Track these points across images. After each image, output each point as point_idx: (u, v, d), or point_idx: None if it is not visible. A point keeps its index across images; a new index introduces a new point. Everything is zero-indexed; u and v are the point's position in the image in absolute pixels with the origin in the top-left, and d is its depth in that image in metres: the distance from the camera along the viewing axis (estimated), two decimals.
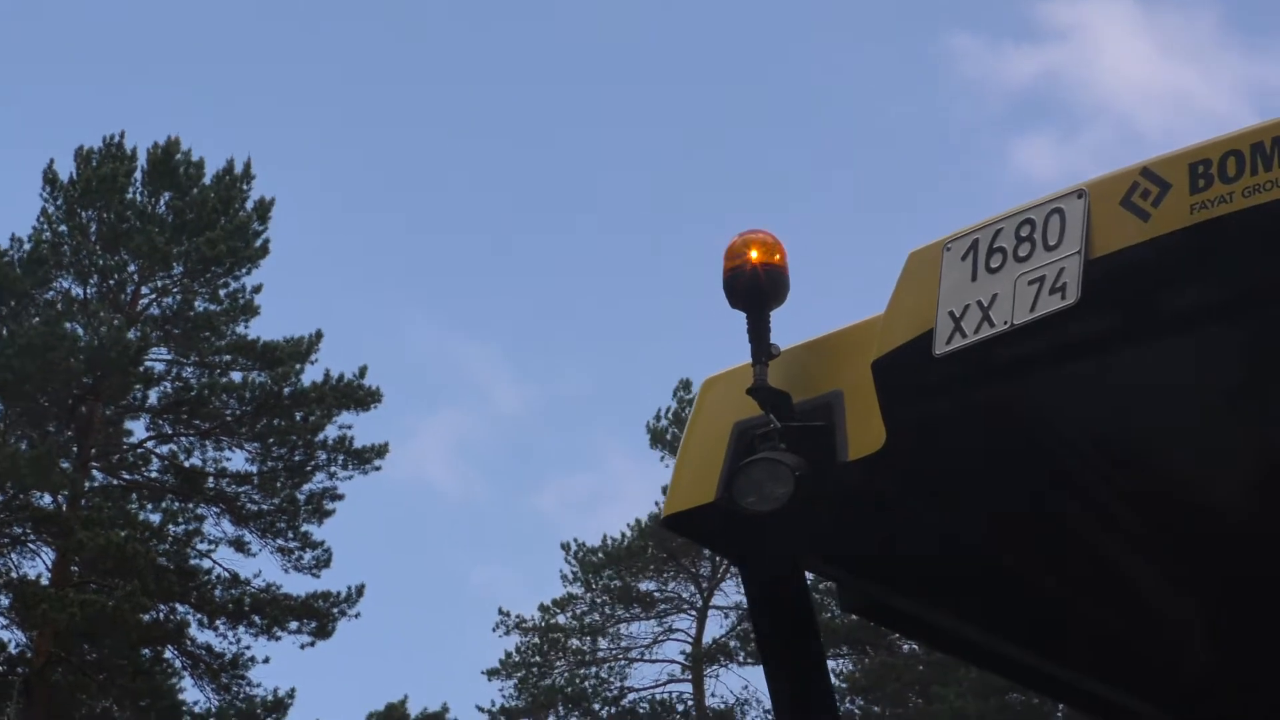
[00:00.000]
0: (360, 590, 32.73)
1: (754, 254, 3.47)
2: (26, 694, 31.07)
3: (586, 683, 38.71)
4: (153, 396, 33.16)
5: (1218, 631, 4.34)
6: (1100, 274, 3.04)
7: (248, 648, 32.61)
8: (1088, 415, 3.73)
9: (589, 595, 38.79)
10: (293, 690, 32.73)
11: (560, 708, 38.33)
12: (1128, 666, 4.47)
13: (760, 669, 36.02)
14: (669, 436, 38.13)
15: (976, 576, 4.19)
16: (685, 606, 39.54)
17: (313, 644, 32.69)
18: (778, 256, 3.48)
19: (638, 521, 38.52)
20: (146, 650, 32.26)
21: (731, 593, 38.72)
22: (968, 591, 4.23)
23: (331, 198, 71.52)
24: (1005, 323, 3.15)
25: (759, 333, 3.48)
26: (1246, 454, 3.88)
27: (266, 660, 33.07)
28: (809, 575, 4.17)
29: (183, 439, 33.30)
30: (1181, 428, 3.78)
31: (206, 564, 32.91)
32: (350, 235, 68.54)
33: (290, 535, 32.94)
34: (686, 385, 39.10)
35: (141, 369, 32.26)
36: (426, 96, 72.23)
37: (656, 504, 38.16)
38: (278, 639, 32.62)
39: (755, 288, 3.45)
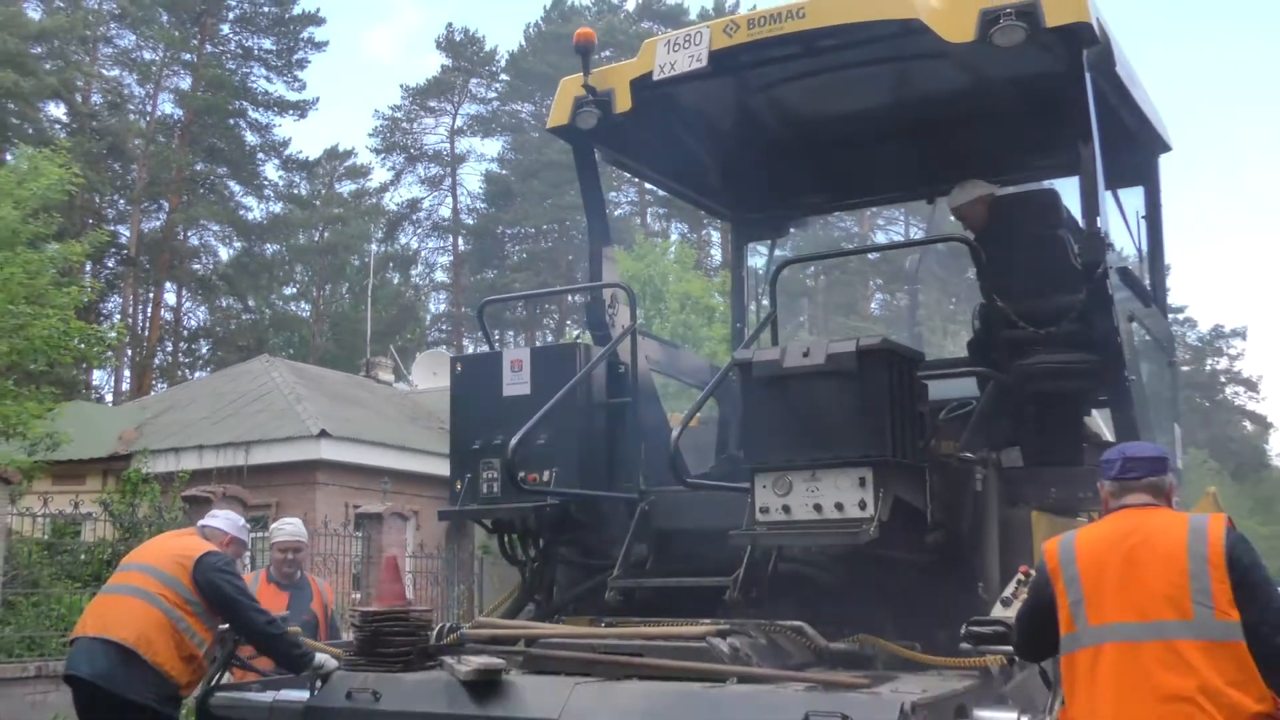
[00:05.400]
0: (318, 99, 68.67)
1: (584, 35, 7.06)
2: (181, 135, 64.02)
3: (409, 138, 71.72)
4: (230, 15, 65.42)
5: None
6: (713, 56, 6.87)
7: (274, 120, 65.93)
8: (716, 100, 8.07)
9: (410, 109, 71.60)
10: (290, 138, 69.36)
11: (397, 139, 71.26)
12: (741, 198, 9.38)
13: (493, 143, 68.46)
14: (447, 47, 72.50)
15: (678, 152, 8.40)
16: (448, 113, 71.84)
17: (301, 118, 67.38)
18: (591, 35, 7.08)
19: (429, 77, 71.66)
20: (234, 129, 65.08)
21: (469, 111, 71.07)
22: (670, 160, 8.53)
23: None
24: (680, 70, 6.93)
25: (586, 65, 7.08)
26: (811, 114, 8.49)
27: (280, 113, 63.36)
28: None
29: (243, 34, 65.80)
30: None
31: (256, 86, 65.67)
32: None
33: (290, 77, 65.74)
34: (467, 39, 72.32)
35: (226, 2, 64.68)
36: None
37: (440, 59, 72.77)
38: (285, 113, 63.72)
39: (584, 48, 7.01)
